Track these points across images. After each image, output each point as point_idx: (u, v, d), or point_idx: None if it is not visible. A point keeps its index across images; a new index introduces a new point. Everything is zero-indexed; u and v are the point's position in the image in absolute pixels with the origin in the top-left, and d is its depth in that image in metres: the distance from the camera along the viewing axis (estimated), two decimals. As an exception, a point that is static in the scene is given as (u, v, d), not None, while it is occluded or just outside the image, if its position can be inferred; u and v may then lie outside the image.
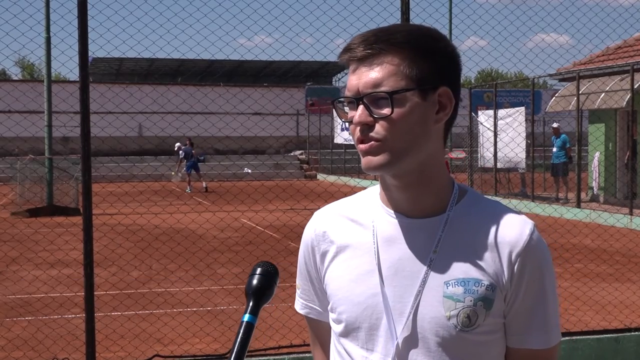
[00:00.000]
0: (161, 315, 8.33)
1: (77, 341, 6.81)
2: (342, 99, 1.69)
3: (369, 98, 1.60)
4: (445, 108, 1.65)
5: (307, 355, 5.89)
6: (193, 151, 27.33)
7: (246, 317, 1.51)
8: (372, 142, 1.60)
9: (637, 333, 6.36)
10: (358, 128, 1.62)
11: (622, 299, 8.65)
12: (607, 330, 6.49)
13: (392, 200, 1.70)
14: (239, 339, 1.48)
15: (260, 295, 1.56)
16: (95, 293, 5.39)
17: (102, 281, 9.64)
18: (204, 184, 26.49)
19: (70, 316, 8.22)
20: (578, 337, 6.17)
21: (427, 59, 1.62)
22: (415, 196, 1.67)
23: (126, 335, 7.39)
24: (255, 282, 1.57)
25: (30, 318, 8.24)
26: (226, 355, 6.02)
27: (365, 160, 1.62)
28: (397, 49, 1.61)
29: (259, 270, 1.59)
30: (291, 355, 5.87)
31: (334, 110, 1.75)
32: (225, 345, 6.88)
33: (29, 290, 9.55)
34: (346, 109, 1.68)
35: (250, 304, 1.54)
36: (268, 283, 1.58)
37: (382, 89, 1.59)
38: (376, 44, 1.61)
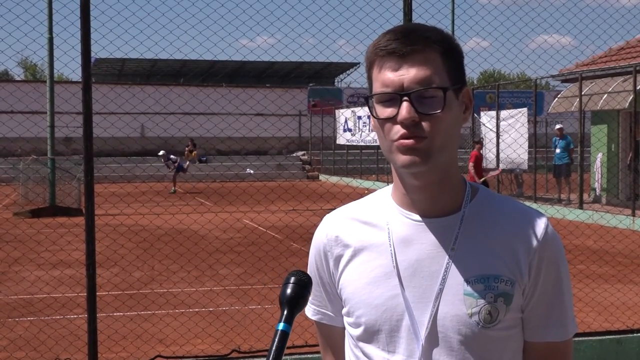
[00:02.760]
0: (163, 315, 8.33)
1: (79, 342, 6.81)
2: (373, 95, 1.62)
3: (415, 95, 1.57)
4: (468, 108, 1.67)
5: (309, 356, 5.89)
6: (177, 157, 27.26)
7: (281, 326, 1.51)
8: (419, 139, 1.56)
9: (639, 334, 6.35)
10: (397, 125, 1.57)
11: (625, 300, 8.64)
12: (609, 332, 6.48)
13: (409, 201, 1.68)
14: (274, 348, 1.48)
15: (294, 304, 1.56)
16: (97, 294, 5.39)
17: (105, 282, 9.65)
18: (173, 188, 26.42)
19: (72, 317, 8.22)
20: (580, 339, 6.16)
21: (455, 58, 1.63)
22: (434, 196, 1.66)
23: (128, 336, 7.40)
24: (289, 291, 1.57)
25: (32, 318, 8.25)
26: (228, 355, 6.02)
27: (408, 159, 1.57)
28: (437, 47, 1.59)
29: (292, 279, 1.58)
30: (293, 356, 5.87)
31: (367, 108, 1.66)
32: (227, 346, 6.88)
33: (31, 290, 9.56)
34: (375, 105, 1.62)
35: (285, 312, 1.54)
36: (302, 292, 1.57)
37: (434, 85, 1.57)
38: (419, 40, 1.58)
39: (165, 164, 27.54)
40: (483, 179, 17.73)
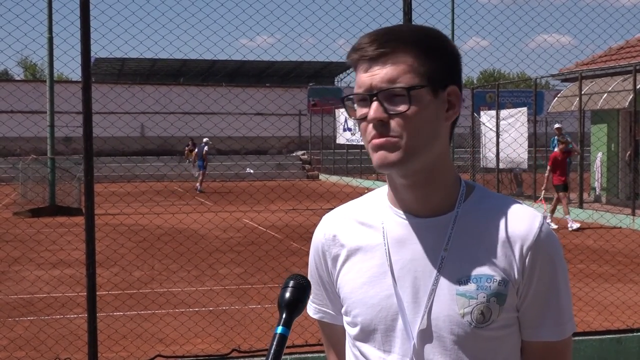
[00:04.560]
0: (163, 315, 8.33)
1: (79, 341, 6.81)
2: (351, 96, 1.67)
3: (383, 94, 1.59)
4: (454, 106, 1.67)
5: (309, 355, 5.89)
6: (204, 150, 27.27)
7: (279, 330, 1.52)
8: (388, 138, 1.59)
9: (639, 334, 6.35)
10: (370, 125, 1.61)
11: (625, 299, 8.64)
12: (610, 331, 6.48)
13: (400, 200, 1.70)
14: (272, 351, 1.49)
15: (293, 308, 1.56)
16: (97, 293, 5.39)
17: (105, 281, 9.65)
18: (199, 186, 26.46)
19: (72, 316, 8.22)
20: (580, 338, 6.16)
21: (437, 58, 1.63)
22: (424, 195, 1.67)
23: (128, 336, 7.40)
24: (288, 295, 1.57)
25: (32, 318, 8.25)
26: (228, 355, 6.02)
27: (379, 156, 1.60)
28: (409, 48, 1.61)
29: (291, 283, 1.59)
30: (293, 356, 5.88)
31: (343, 108, 1.74)
32: (227, 345, 6.88)
33: (31, 290, 9.55)
34: (355, 106, 1.67)
35: (284, 316, 1.54)
36: (300, 296, 1.58)
37: (398, 85, 1.59)
38: (389, 42, 1.61)
39: (197, 148, 27.53)
40: (563, 184, 15.88)
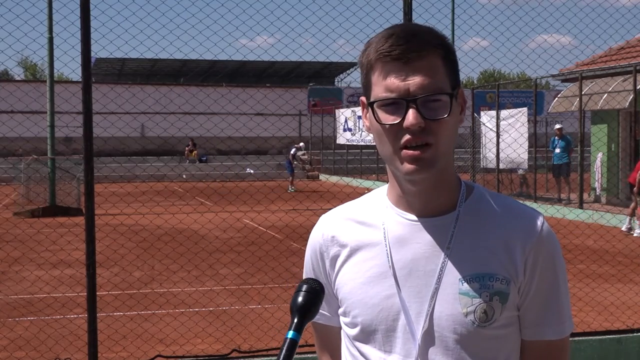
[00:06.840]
0: (163, 315, 8.33)
1: (79, 341, 6.81)
2: (377, 101, 1.59)
3: (421, 100, 1.56)
4: (464, 109, 1.68)
5: (309, 355, 5.88)
6: (292, 154, 27.52)
7: (290, 334, 1.50)
8: (425, 147, 1.57)
9: (639, 334, 6.34)
10: (402, 131, 1.57)
11: (625, 299, 8.63)
12: (610, 331, 6.48)
13: (404, 201, 1.69)
14: (282, 355, 1.47)
15: (305, 312, 1.55)
16: (97, 293, 5.39)
17: (105, 281, 9.64)
18: (290, 187, 26.53)
19: (72, 316, 8.22)
20: (580, 338, 6.16)
21: (452, 60, 1.64)
22: (430, 197, 1.66)
23: (128, 336, 7.40)
24: (300, 299, 1.56)
25: (32, 318, 8.25)
26: (228, 355, 6.02)
27: (413, 168, 1.57)
28: (438, 51, 1.59)
29: (305, 287, 1.58)
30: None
31: (371, 113, 1.56)
32: (227, 346, 6.88)
33: (31, 290, 9.55)
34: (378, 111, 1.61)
35: (295, 320, 1.53)
36: (313, 301, 1.56)
37: (439, 91, 1.57)
38: (422, 46, 1.57)
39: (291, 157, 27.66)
40: None
